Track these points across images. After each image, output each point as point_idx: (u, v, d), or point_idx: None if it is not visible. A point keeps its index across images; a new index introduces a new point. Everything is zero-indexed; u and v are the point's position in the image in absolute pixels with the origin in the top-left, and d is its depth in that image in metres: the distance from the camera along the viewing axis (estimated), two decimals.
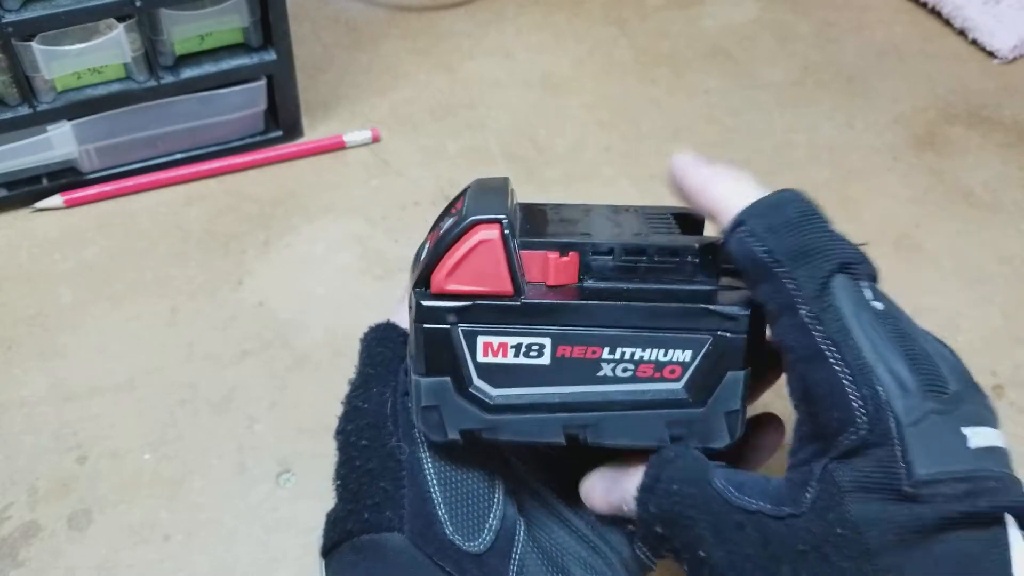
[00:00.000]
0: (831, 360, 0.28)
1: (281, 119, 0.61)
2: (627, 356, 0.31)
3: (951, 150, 0.65)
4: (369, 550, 0.32)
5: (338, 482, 0.34)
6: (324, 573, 0.34)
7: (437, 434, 0.32)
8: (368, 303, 0.54)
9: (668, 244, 0.32)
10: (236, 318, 0.52)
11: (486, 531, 0.33)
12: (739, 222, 0.30)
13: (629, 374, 0.31)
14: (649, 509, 0.30)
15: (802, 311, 0.28)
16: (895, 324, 0.29)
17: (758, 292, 0.30)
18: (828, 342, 0.28)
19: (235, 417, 0.48)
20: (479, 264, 0.30)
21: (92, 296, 0.53)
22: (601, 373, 0.31)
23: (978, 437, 0.27)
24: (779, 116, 0.66)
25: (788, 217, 0.30)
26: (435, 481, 0.33)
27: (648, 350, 0.31)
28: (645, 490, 0.31)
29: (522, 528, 0.34)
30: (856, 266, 0.29)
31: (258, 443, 0.47)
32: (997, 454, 0.28)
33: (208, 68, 0.56)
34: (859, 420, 0.27)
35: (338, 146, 0.62)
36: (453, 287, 0.31)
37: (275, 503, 0.45)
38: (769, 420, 0.35)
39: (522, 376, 0.31)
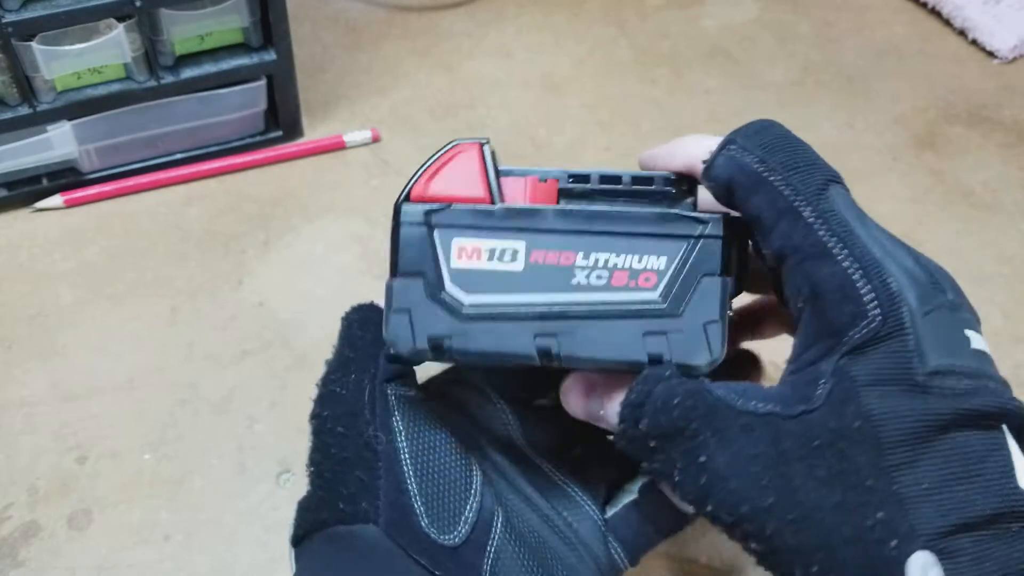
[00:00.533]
0: (838, 256, 0.28)
1: (281, 119, 0.61)
2: (601, 263, 0.31)
3: (951, 150, 0.65)
4: (343, 541, 0.32)
5: (312, 469, 0.33)
6: (294, 563, 0.33)
7: (405, 342, 0.31)
8: None
9: (644, 173, 0.32)
10: (236, 318, 0.52)
11: (462, 523, 0.33)
12: (729, 140, 0.30)
13: (603, 282, 0.31)
14: (639, 427, 0.29)
15: (804, 212, 0.28)
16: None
17: (751, 204, 0.29)
18: (834, 239, 0.28)
19: (235, 417, 0.48)
20: (457, 172, 0.32)
21: (92, 296, 0.53)
22: (575, 281, 0.31)
23: (976, 341, 0.28)
24: (779, 116, 0.65)
25: (776, 135, 0.31)
26: (412, 472, 0.32)
27: (622, 256, 0.31)
28: (634, 406, 0.29)
29: (500, 519, 0.34)
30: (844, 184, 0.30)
31: (258, 443, 0.47)
32: (990, 361, 0.28)
33: (208, 68, 0.56)
34: (871, 312, 0.27)
35: (338, 146, 0.62)
36: (432, 193, 0.32)
37: (275, 503, 0.45)
38: (747, 358, 0.35)
39: (495, 282, 0.31)
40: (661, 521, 0.37)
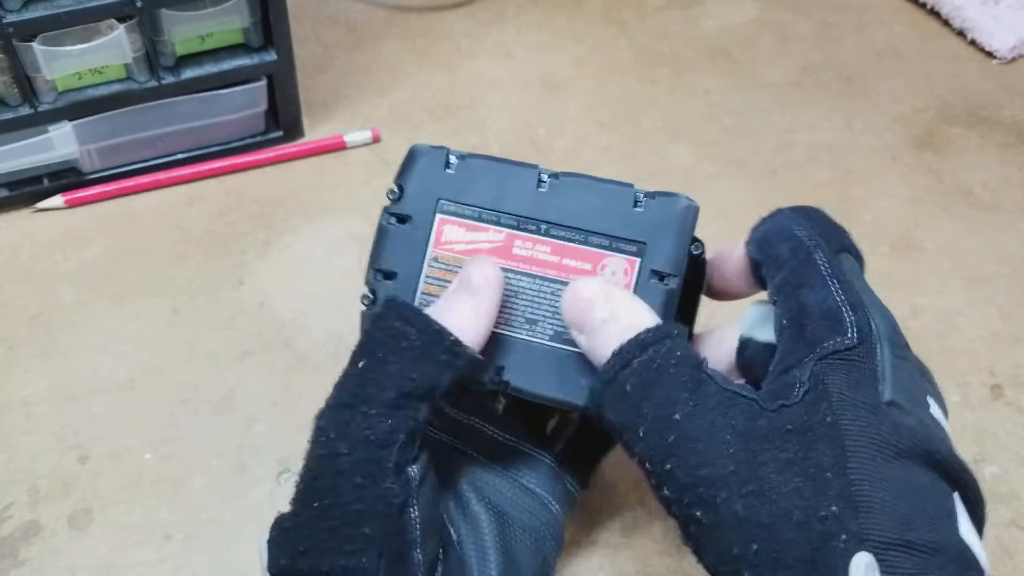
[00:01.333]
0: (832, 289, 0.30)
1: (281, 119, 0.61)
2: None
3: (950, 150, 0.65)
4: None
5: (315, 504, 0.31)
6: None
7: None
8: None
9: None
10: (237, 318, 0.52)
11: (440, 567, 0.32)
12: (776, 211, 0.34)
13: None
14: (631, 364, 0.29)
15: (816, 256, 0.32)
16: None
17: (775, 250, 0.33)
18: (834, 280, 0.31)
19: (236, 417, 0.48)
20: None
21: (93, 296, 0.53)
22: None
23: (935, 410, 0.30)
24: (779, 116, 0.66)
25: (817, 211, 0.34)
26: (417, 524, 0.31)
27: None
28: (640, 345, 0.30)
29: (454, 535, 0.34)
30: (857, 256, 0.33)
31: (258, 443, 0.47)
32: (943, 430, 0.29)
33: (209, 68, 0.56)
34: (849, 332, 0.29)
35: (338, 146, 0.62)
36: None
37: (276, 502, 0.45)
38: None
39: None
40: (602, 439, 0.39)
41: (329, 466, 0.31)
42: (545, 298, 0.34)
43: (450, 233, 0.35)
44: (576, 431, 0.40)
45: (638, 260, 0.33)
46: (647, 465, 0.29)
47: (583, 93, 0.68)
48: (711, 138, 0.64)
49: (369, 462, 0.30)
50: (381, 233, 0.36)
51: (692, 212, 0.34)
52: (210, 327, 0.52)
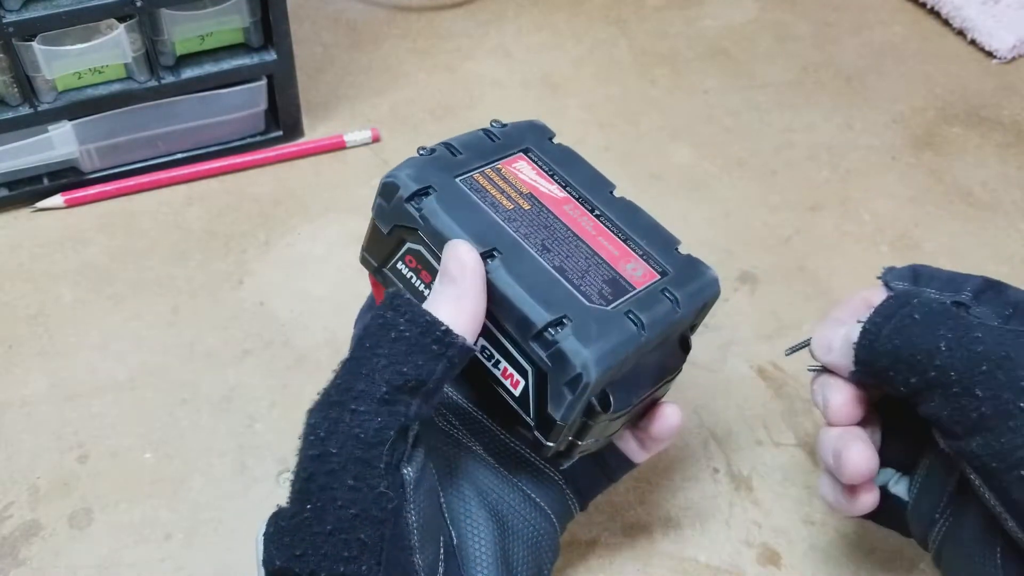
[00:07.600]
0: None
1: (281, 119, 0.61)
2: None
3: (950, 150, 0.65)
4: None
5: (309, 507, 0.30)
6: None
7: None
8: None
9: None
10: (237, 318, 0.52)
11: (439, 566, 0.32)
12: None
13: None
14: (883, 331, 0.31)
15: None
16: None
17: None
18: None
19: (235, 416, 0.48)
20: None
21: (93, 295, 0.53)
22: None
23: None
24: (778, 116, 0.66)
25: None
26: (415, 527, 0.30)
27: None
28: (883, 315, 0.31)
29: (453, 537, 0.34)
30: None
31: (258, 442, 0.47)
32: None
33: (209, 68, 0.56)
34: None
35: (338, 146, 0.62)
36: None
37: (276, 502, 0.44)
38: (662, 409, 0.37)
39: None
40: (611, 467, 0.39)
41: (320, 466, 0.30)
42: (571, 245, 0.35)
43: (521, 165, 0.38)
44: (589, 456, 0.38)
45: (659, 276, 0.35)
46: (951, 375, 0.29)
47: (583, 93, 0.68)
48: (711, 138, 0.64)
49: (360, 462, 0.29)
50: (472, 132, 0.39)
51: (715, 288, 0.36)
52: (210, 327, 0.52)
